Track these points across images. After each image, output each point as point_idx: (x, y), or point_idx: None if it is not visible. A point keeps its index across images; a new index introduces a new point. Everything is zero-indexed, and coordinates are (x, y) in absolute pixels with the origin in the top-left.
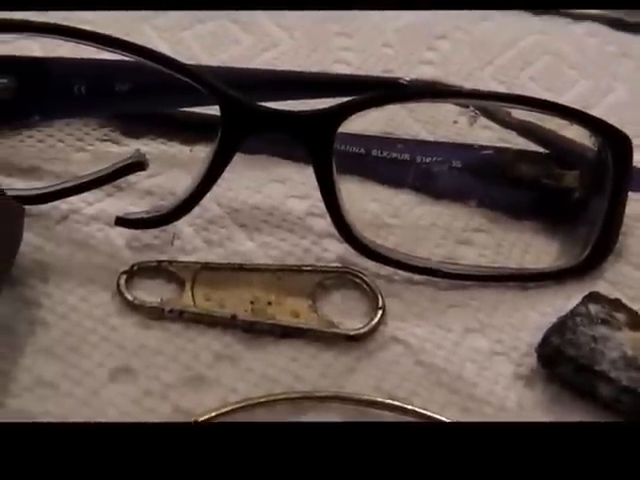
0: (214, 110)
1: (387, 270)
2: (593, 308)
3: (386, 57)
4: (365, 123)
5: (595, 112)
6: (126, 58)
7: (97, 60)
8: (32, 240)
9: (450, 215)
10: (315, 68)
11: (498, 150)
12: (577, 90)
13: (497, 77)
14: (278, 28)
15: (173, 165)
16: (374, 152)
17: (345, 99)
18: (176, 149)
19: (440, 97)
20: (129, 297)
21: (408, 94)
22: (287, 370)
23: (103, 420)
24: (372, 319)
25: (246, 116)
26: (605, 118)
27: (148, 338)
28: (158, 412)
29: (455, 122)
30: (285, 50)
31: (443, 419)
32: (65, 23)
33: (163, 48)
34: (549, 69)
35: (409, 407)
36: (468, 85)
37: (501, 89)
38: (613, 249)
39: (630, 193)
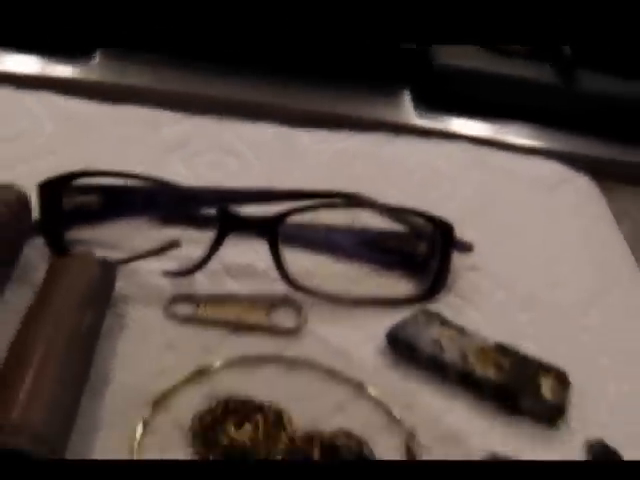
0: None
1: (311, 298)
2: (420, 317)
3: (324, 175)
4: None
5: (450, 205)
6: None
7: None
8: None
9: (350, 268)
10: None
11: (379, 231)
12: (442, 192)
13: (397, 186)
14: (257, 160)
15: (192, 242)
16: (308, 233)
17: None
18: (193, 232)
19: (344, 207)
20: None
21: (321, 205)
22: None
23: None
24: (299, 321)
25: (229, 220)
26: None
27: None
28: None
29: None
30: (259, 171)
31: None
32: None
33: (181, 169)
34: (426, 179)
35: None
36: (372, 192)
37: (395, 194)
38: (444, 286)
39: (459, 252)
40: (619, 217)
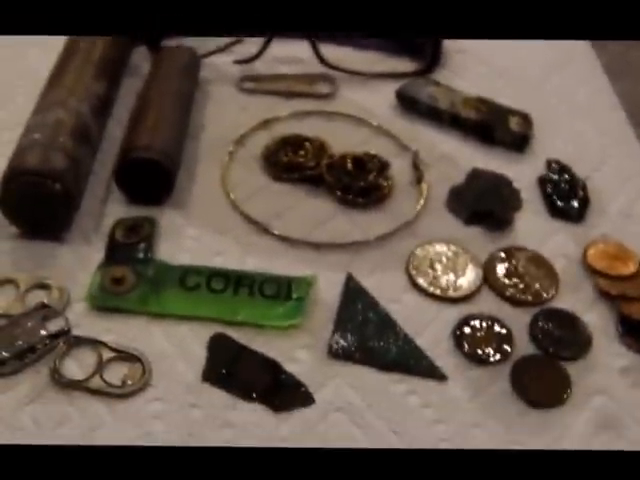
0: None
1: (341, 74)
2: (420, 80)
3: None
4: None
5: None
6: None
7: None
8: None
9: (369, 54)
10: None
11: None
12: None
13: None
14: None
15: (252, 42)
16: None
17: None
18: (252, 38)
19: None
20: None
21: None
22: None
23: None
24: (333, 88)
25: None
26: None
27: None
28: None
29: None
30: None
31: None
32: None
33: None
34: None
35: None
36: None
37: None
38: (438, 64)
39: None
40: None
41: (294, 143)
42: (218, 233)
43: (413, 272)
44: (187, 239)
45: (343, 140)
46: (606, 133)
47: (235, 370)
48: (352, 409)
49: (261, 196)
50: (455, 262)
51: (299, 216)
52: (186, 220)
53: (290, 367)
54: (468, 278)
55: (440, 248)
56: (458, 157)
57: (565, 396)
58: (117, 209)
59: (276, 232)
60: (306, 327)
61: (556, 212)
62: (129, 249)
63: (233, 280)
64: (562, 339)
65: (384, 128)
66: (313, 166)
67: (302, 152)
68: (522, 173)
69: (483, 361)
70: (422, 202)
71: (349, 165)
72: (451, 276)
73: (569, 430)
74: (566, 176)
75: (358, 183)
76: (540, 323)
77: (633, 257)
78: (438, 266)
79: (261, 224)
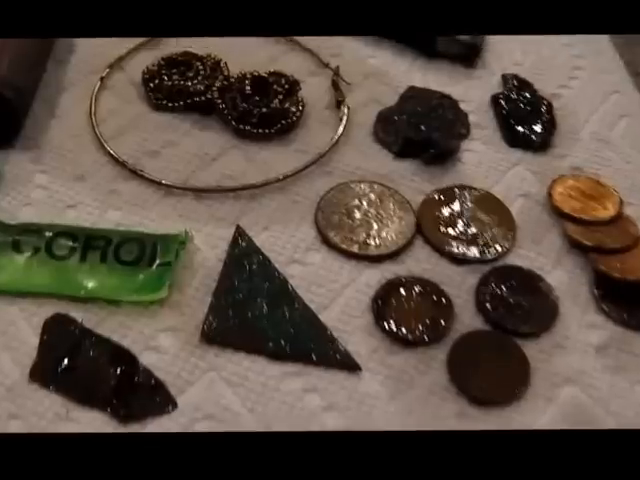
0: None
1: None
2: None
3: None
4: None
5: None
6: None
7: None
8: None
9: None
10: None
11: None
12: None
13: None
14: None
15: None
16: None
17: None
18: None
19: None
20: None
21: None
22: None
23: None
24: None
25: None
26: None
27: None
28: None
29: None
30: None
31: None
32: None
33: None
34: None
35: None
36: None
37: None
38: None
39: None
40: None
41: (182, 64)
42: (75, 180)
43: (323, 223)
44: (35, 189)
45: (245, 58)
46: (576, 40)
47: (73, 365)
48: (227, 417)
49: (136, 130)
50: (380, 208)
51: (181, 154)
52: (37, 165)
53: (148, 358)
54: (396, 229)
55: (361, 190)
56: (390, 74)
57: (522, 389)
58: None
59: (148, 175)
60: (174, 302)
61: (514, 140)
62: None
63: (82, 241)
64: (519, 308)
65: (297, 40)
66: (203, 90)
67: (191, 74)
68: (471, 92)
69: (411, 342)
70: (341, 131)
71: (248, 87)
72: (374, 227)
73: None
74: (527, 94)
75: (259, 109)
76: (490, 287)
77: (612, 195)
78: (357, 214)
79: (131, 166)
